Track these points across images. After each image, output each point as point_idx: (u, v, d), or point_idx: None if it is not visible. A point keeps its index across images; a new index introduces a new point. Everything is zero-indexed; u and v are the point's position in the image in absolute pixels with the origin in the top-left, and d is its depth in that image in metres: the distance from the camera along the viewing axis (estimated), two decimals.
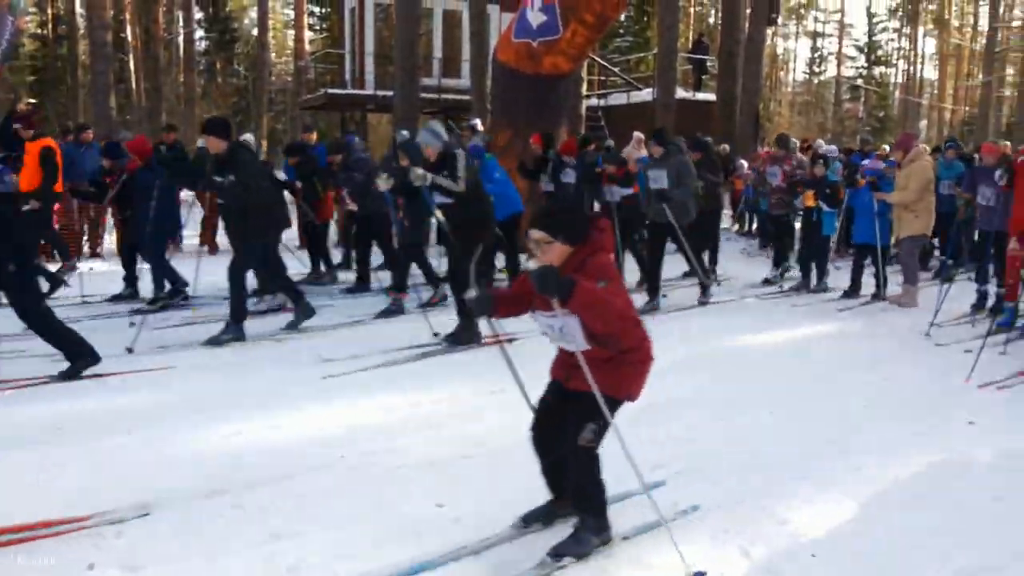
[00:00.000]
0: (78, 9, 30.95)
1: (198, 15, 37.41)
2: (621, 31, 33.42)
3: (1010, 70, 42.11)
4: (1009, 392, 5.42)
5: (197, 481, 3.79)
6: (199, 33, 37.97)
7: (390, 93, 18.85)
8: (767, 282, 9.71)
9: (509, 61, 12.04)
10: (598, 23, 11.38)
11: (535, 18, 11.58)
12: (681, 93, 21.12)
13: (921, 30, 48.63)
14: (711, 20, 44.83)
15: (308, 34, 36.46)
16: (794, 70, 54.83)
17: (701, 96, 22.45)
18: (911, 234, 8.26)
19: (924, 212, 8.18)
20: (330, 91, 21.83)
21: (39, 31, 37.32)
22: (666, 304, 8.35)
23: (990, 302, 7.86)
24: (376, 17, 22.80)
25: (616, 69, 25.40)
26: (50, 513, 3.37)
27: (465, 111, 21.32)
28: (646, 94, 22.13)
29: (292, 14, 40.17)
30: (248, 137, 10.03)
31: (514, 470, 3.88)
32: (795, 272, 9.68)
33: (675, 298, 8.74)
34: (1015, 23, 41.66)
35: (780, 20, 32.16)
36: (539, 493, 3.58)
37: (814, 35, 52.08)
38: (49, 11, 36.57)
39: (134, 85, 31.16)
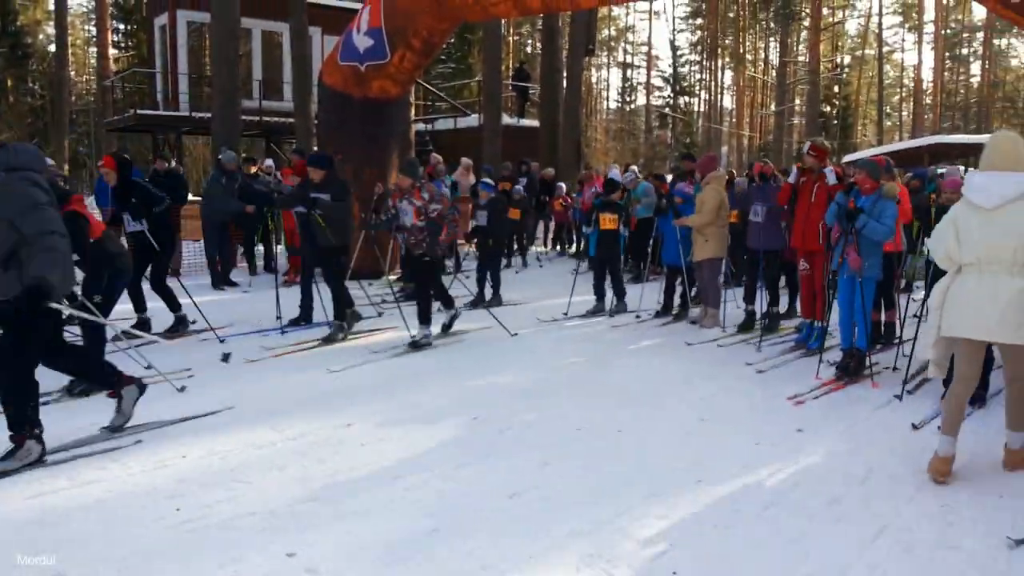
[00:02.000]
0: None
1: None
2: (444, 57, 33.91)
3: (798, 100, 46.47)
4: (821, 400, 5.92)
5: (5, 549, 3.42)
6: None
7: (207, 115, 18.14)
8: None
9: (336, 84, 11.92)
10: (426, 48, 11.49)
11: (361, 42, 11.54)
12: (506, 119, 21.71)
13: (720, 63, 52.67)
14: (528, 49, 46.42)
15: (113, 51, 34.35)
16: (607, 99, 57.80)
17: (525, 122, 23.16)
18: (705, 257, 8.38)
19: (714, 235, 8.27)
20: (140, 111, 20.67)
21: None
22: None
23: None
24: (189, 36, 21.87)
25: (442, 95, 25.73)
26: None
27: (289, 134, 20.85)
28: (472, 120, 22.56)
29: (94, 31, 37.71)
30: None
31: (370, 507, 3.88)
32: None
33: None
34: (800, 58, 46.06)
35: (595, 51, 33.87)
36: (398, 530, 3.61)
37: (624, 66, 55.17)
38: None
39: None
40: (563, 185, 14.88)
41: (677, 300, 9.16)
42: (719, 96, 53.53)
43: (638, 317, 9.16)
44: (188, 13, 20.73)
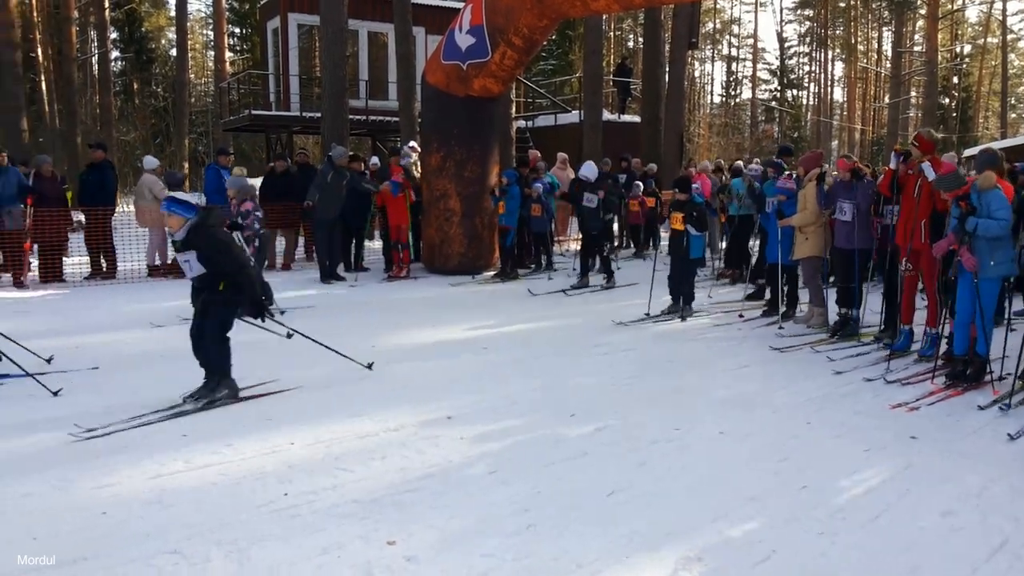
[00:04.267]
0: None
1: (113, 35, 36.44)
2: (544, 54, 33.95)
3: (913, 92, 44.32)
4: (936, 407, 5.64)
5: (123, 526, 3.64)
6: (115, 54, 36.98)
7: (317, 114, 18.74)
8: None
9: (439, 83, 12.11)
10: (527, 46, 11.55)
11: (463, 40, 11.69)
12: (606, 115, 21.57)
13: (830, 54, 50.78)
14: (630, 44, 45.95)
15: (229, 55, 35.90)
16: (711, 93, 56.61)
17: (626, 118, 22.95)
18: (805, 256, 8.11)
19: (814, 233, 8.00)
20: (254, 112, 21.52)
21: None
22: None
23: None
24: (300, 38, 22.62)
25: (543, 91, 25.78)
26: None
27: (393, 132, 21.33)
28: (572, 116, 22.51)
29: (212, 35, 39.54)
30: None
31: (467, 500, 3.94)
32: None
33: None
34: (916, 48, 43.91)
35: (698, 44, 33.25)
36: (494, 523, 3.66)
37: (729, 59, 53.89)
38: None
39: (46, 107, 30.06)
40: (640, 184, 14.44)
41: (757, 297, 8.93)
42: (829, 89, 51.66)
43: (741, 316, 8.96)
44: (299, 16, 21.43)
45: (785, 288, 8.72)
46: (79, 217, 11.92)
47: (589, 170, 10.96)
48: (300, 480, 4.16)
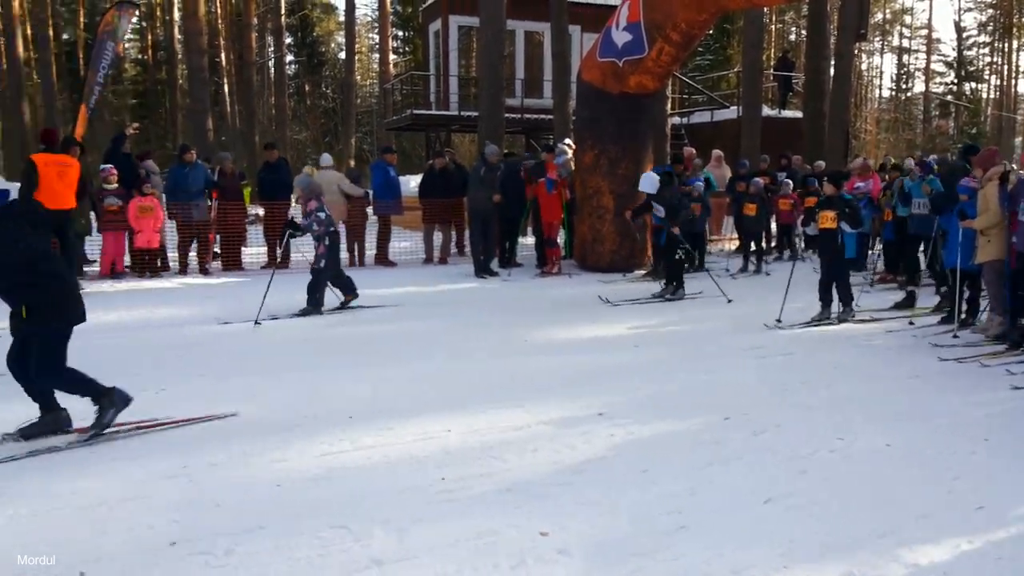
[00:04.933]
0: (176, 35, 32.46)
1: (288, 40, 38.80)
2: (701, 49, 33.21)
3: None
4: None
5: (294, 499, 3.90)
6: (289, 57, 39.37)
7: (474, 113, 19.21)
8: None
9: (594, 81, 12.12)
10: (684, 41, 11.35)
11: (620, 37, 11.63)
12: (766, 111, 20.85)
13: (1015, 44, 46.77)
14: (792, 37, 44.13)
15: (393, 57, 37.39)
16: (879, 87, 53.45)
17: (787, 114, 22.09)
18: (987, 259, 7.56)
19: (996, 235, 7.44)
20: (415, 112, 22.32)
21: (140, 56, 39.34)
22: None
23: None
24: (459, 40, 23.23)
25: (699, 87, 25.24)
26: (156, 531, 3.58)
27: (547, 130, 21.51)
28: (730, 112, 21.92)
29: (377, 38, 41.31)
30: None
31: (619, 497, 3.96)
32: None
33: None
34: None
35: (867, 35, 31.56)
36: (646, 522, 3.66)
37: (900, 51, 50.71)
38: (149, 38, 38.52)
39: (228, 108, 32.43)
40: (790, 182, 13.68)
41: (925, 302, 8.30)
42: (1013, 81, 47.57)
43: (911, 323, 8.45)
44: (459, 18, 22.02)
45: (966, 294, 8.16)
46: (257, 211, 12.81)
47: (648, 184, 10.28)
48: (456, 466, 4.30)
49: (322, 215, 8.89)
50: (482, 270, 11.72)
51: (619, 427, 4.97)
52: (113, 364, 6.49)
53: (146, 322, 8.34)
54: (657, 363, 6.72)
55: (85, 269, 10.82)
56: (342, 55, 39.91)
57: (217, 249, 12.14)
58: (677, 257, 10.09)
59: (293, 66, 41.44)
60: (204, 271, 11.51)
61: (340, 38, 42.88)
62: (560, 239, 12.65)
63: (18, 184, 10.12)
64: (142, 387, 5.80)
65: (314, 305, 8.79)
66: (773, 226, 13.96)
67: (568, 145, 13.15)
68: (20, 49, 25.57)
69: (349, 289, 9.18)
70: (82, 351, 6.95)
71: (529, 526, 3.62)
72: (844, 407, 5.48)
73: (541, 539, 3.50)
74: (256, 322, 8.21)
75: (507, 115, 17.95)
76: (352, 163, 30.76)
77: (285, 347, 7.34)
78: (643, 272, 11.93)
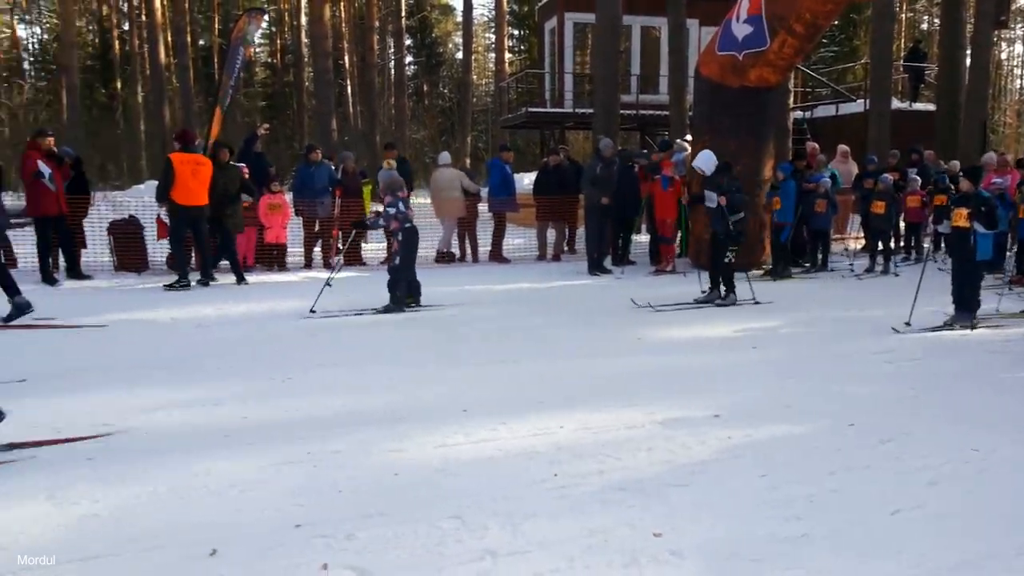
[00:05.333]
0: (303, 39, 33.80)
1: (408, 41, 39.75)
2: (826, 41, 31.94)
3: None
4: None
5: (411, 489, 3.98)
6: (408, 59, 40.34)
7: (589, 110, 19.16)
8: None
9: (713, 75, 11.86)
10: (809, 32, 10.95)
11: (740, 30, 11.34)
12: (896, 104, 19.88)
13: None
14: (924, 27, 41.83)
15: (508, 56, 37.73)
16: (1021, 76, 49.91)
17: (918, 106, 20.99)
18: None
19: None
20: (530, 110, 22.46)
21: (269, 60, 41.20)
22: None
23: None
24: (575, 37, 23.21)
25: (824, 80, 24.30)
26: (283, 513, 3.73)
27: (662, 126, 21.22)
28: (856, 106, 21.02)
29: (493, 37, 41.77)
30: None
31: (735, 501, 3.88)
32: None
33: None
34: None
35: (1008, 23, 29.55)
36: (764, 528, 3.57)
37: None
38: (278, 42, 40.30)
39: (351, 109, 33.56)
40: (918, 179, 12.87)
41: None
42: None
43: None
44: (575, 15, 22.01)
45: None
46: (377, 208, 13.20)
47: (704, 161, 9.55)
48: (568, 463, 4.31)
49: (392, 210, 8.79)
50: (595, 267, 11.68)
51: (736, 429, 4.85)
52: (240, 353, 6.86)
53: (272, 313, 8.74)
54: (776, 365, 6.52)
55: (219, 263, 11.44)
56: (459, 55, 40.59)
57: (340, 245, 12.58)
58: (727, 260, 9.25)
59: (412, 67, 42.44)
60: (328, 265, 11.95)
61: (457, 38, 43.61)
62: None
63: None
64: (268, 375, 6.12)
65: (396, 303, 8.83)
66: (901, 225, 13.30)
67: (686, 142, 12.93)
68: (162, 55, 27.27)
69: (412, 290, 9.11)
70: (211, 341, 7.41)
71: (642, 525, 3.59)
72: (978, 417, 5.16)
73: (654, 539, 3.47)
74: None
75: (622, 111, 17.82)
76: (468, 161, 31.25)
77: (391, 341, 7.53)
78: (761, 272, 11.60)
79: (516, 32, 42.41)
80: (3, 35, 36.54)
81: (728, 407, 5.28)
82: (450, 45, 46.89)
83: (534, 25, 33.96)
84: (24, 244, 11.72)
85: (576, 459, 4.37)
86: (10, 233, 12.15)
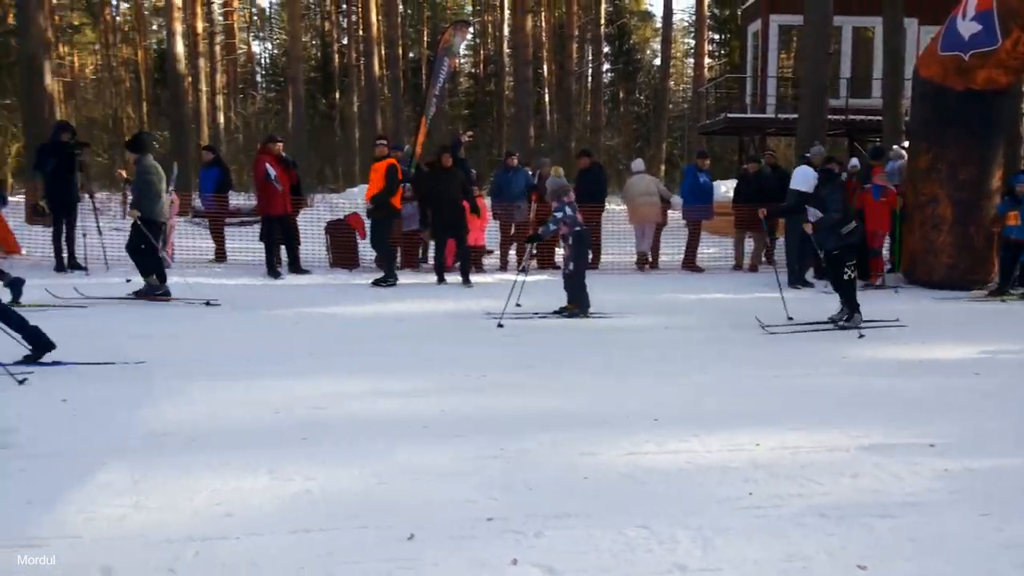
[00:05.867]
0: (505, 50, 34.82)
1: (605, 49, 39.90)
2: None
3: None
4: None
5: (600, 493, 3.96)
6: (606, 66, 40.49)
7: (793, 115, 18.33)
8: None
9: (934, 77, 11.01)
10: None
11: (967, 28, 10.46)
12: None
13: None
14: None
15: (707, 60, 36.92)
16: None
17: None
18: None
19: None
20: (729, 115, 21.83)
21: (472, 70, 42.81)
22: None
23: None
24: (780, 40, 22.31)
25: None
26: (475, 506, 3.83)
27: (873, 132, 19.93)
28: None
29: (692, 42, 41.03)
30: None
31: (952, 540, 3.58)
32: None
33: None
34: None
35: None
36: (985, 569, 3.28)
37: None
38: (481, 53, 41.78)
39: (548, 116, 34.18)
40: None
41: None
42: None
43: None
44: (780, 17, 21.15)
45: None
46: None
47: (801, 181, 8.81)
48: (765, 482, 4.14)
49: (559, 215, 8.78)
50: (797, 280, 11.15)
51: (954, 461, 4.45)
52: (438, 348, 7.16)
53: (469, 312, 9.07)
54: (1004, 393, 5.93)
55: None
56: (657, 61, 40.20)
57: (533, 249, 12.82)
58: (847, 277, 8.44)
59: (609, 74, 42.54)
60: (521, 270, 12.21)
61: (656, 44, 43.21)
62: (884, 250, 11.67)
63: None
64: (465, 372, 6.35)
65: (581, 306, 8.84)
66: None
67: (904, 148, 12.07)
68: (376, 68, 29.07)
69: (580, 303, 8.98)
70: (409, 335, 7.81)
71: (844, 556, 3.37)
72: None
73: (858, 572, 3.25)
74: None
75: (829, 116, 16.90)
76: (663, 168, 30.88)
77: (576, 345, 7.57)
78: (986, 292, 10.60)
79: (716, 36, 41.41)
80: (240, 51, 40.40)
81: (945, 436, 4.86)
82: (648, 51, 46.56)
83: (736, 28, 33.01)
84: (243, 240, 12.95)
85: (772, 479, 4.19)
86: (237, 230, 13.45)
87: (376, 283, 10.77)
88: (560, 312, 8.90)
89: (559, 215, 8.78)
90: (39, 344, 6.25)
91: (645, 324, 8.42)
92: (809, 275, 11.45)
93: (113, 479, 4.02)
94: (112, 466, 4.18)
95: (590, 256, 9.56)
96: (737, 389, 5.98)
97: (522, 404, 5.51)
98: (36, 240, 12.10)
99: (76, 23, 37.65)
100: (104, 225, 12.10)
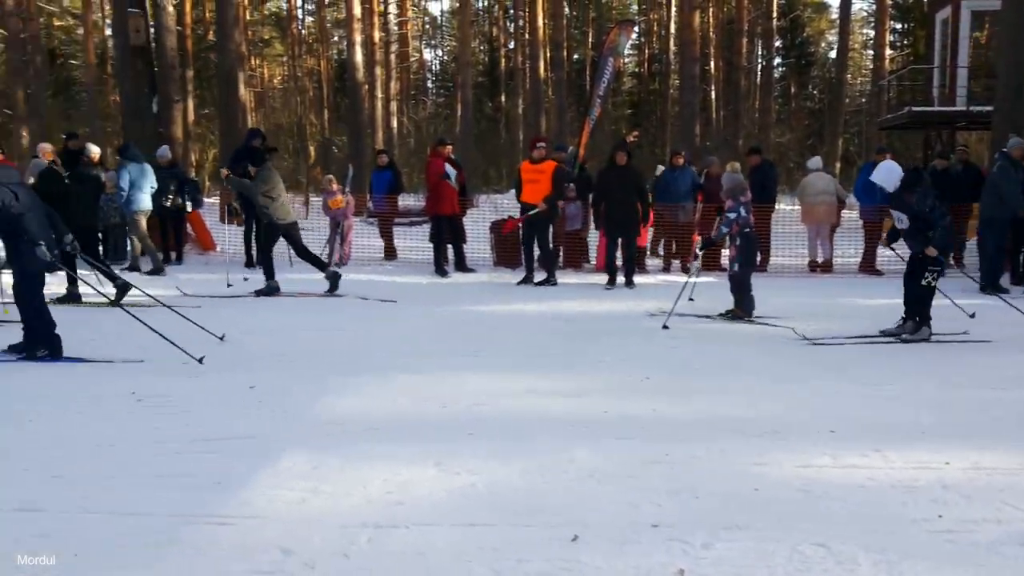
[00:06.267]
0: (671, 47, 34.27)
1: (777, 43, 38.37)
2: None
3: None
4: None
5: (771, 506, 3.78)
6: (776, 60, 38.94)
7: (988, 108, 16.88)
8: None
9: None
10: None
11: None
12: None
13: None
14: None
15: (888, 52, 34.71)
16: None
17: None
18: None
19: None
20: (914, 109, 20.41)
21: (636, 70, 42.41)
22: None
23: None
24: (972, 27, 20.61)
25: None
26: (639, 511, 3.75)
27: None
28: None
29: (872, 33, 38.71)
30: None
31: None
32: None
33: None
34: None
35: None
36: None
37: None
38: (646, 52, 41.31)
39: (714, 113, 33.31)
40: None
41: None
42: None
43: None
44: (973, 3, 19.54)
45: None
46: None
47: (886, 176, 7.57)
48: (956, 505, 3.80)
49: (732, 216, 8.45)
50: (990, 286, 10.24)
51: None
52: (601, 348, 7.12)
53: (632, 313, 8.97)
54: None
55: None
56: (832, 54, 38.23)
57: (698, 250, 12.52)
58: (925, 282, 7.52)
59: (780, 68, 40.88)
60: (685, 270, 11.95)
61: (831, 36, 41.16)
62: None
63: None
64: (628, 372, 6.27)
65: (745, 309, 8.49)
66: None
67: None
68: (541, 70, 29.40)
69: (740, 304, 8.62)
70: (572, 334, 7.80)
71: None
72: None
73: None
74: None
75: None
76: (839, 165, 29.34)
77: (741, 351, 7.29)
78: None
79: (898, 26, 38.81)
80: (413, 59, 42.05)
81: None
82: (822, 44, 44.35)
83: (921, 17, 30.81)
84: (413, 239, 13.44)
85: (965, 501, 3.84)
86: (407, 229, 13.98)
87: (539, 283, 10.89)
88: (724, 315, 8.62)
89: (732, 216, 8.49)
90: (35, 341, 6.67)
91: (814, 330, 7.97)
92: (1005, 279, 10.50)
93: (294, 464, 4.27)
94: (293, 451, 4.44)
95: (758, 258, 9.17)
96: (917, 401, 5.55)
97: (687, 408, 5.38)
98: (229, 238, 13.10)
99: (266, 37, 40.61)
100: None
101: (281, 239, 10.21)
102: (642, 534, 3.48)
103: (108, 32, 33.45)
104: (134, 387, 5.71)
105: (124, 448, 4.53)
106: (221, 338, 7.20)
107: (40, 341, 6.66)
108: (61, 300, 8.95)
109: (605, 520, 3.61)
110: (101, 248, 12.04)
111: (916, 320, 7.63)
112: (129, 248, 12.09)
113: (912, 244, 7.68)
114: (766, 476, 4.15)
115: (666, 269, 12.26)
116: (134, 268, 11.72)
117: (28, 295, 6.63)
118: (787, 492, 3.96)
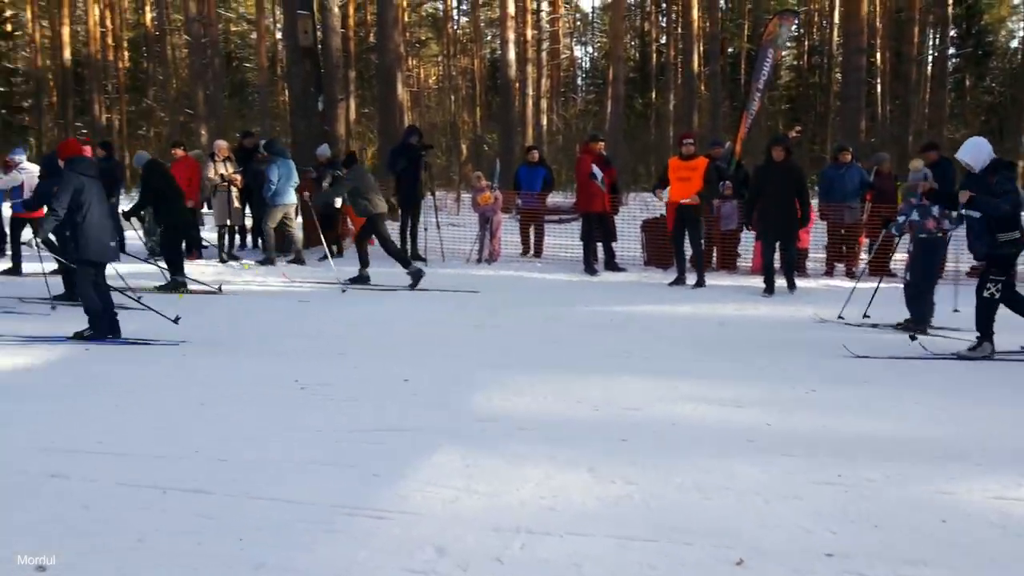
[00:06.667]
0: (834, 38, 32.55)
1: (952, 32, 35.63)
2: None
3: None
4: None
5: (964, 539, 3.45)
6: (951, 50, 36.18)
7: None
8: None
9: None
10: None
11: None
12: None
13: None
14: None
15: None
16: None
17: None
18: None
19: None
20: None
21: (795, 62, 40.57)
22: None
23: None
24: None
25: None
26: (813, 537, 3.52)
27: None
28: None
29: None
30: None
31: None
32: None
33: None
34: None
35: None
36: None
37: None
38: (805, 43, 39.44)
39: (880, 108, 31.37)
40: None
41: None
42: None
43: None
44: None
45: None
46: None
47: (973, 152, 6.51)
48: None
49: (900, 218, 7.92)
50: None
51: None
52: (761, 355, 6.77)
53: (792, 319, 8.52)
54: None
55: None
56: (1013, 43, 35.14)
57: (864, 255, 11.77)
58: (988, 294, 6.63)
59: (955, 59, 37.94)
60: (850, 274, 11.27)
61: (1012, 24, 37.82)
62: None
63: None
64: (793, 384, 5.92)
65: (917, 320, 7.79)
66: None
67: None
68: (695, 64, 28.65)
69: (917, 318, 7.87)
70: (727, 339, 7.46)
71: None
72: None
73: None
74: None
75: None
76: (1021, 164, 26.94)
77: (916, 362, 6.73)
78: None
79: None
80: (564, 56, 42.06)
81: None
82: (1002, 32, 40.80)
83: None
84: (562, 236, 13.38)
85: None
86: (556, 227, 13.95)
87: (694, 286, 10.54)
88: (898, 326, 8.01)
89: (901, 219, 8.01)
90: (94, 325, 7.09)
91: (1001, 343, 7.26)
92: None
93: (447, 460, 4.26)
94: (446, 448, 4.44)
95: (938, 268, 8.42)
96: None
97: (859, 426, 4.98)
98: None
99: (423, 38, 41.77)
100: (441, 221, 13.17)
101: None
102: (816, 564, 3.21)
103: (279, 36, 35.40)
104: (296, 375, 5.95)
105: (287, 436, 4.68)
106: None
107: (92, 324, 7.11)
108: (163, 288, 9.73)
109: (773, 544, 3.37)
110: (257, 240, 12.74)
111: (977, 336, 6.85)
112: (293, 242, 12.59)
113: (978, 246, 6.78)
114: (955, 507, 3.75)
115: (828, 273, 11.58)
116: (298, 260, 12.26)
117: (80, 282, 7.16)
118: (981, 526, 3.57)
